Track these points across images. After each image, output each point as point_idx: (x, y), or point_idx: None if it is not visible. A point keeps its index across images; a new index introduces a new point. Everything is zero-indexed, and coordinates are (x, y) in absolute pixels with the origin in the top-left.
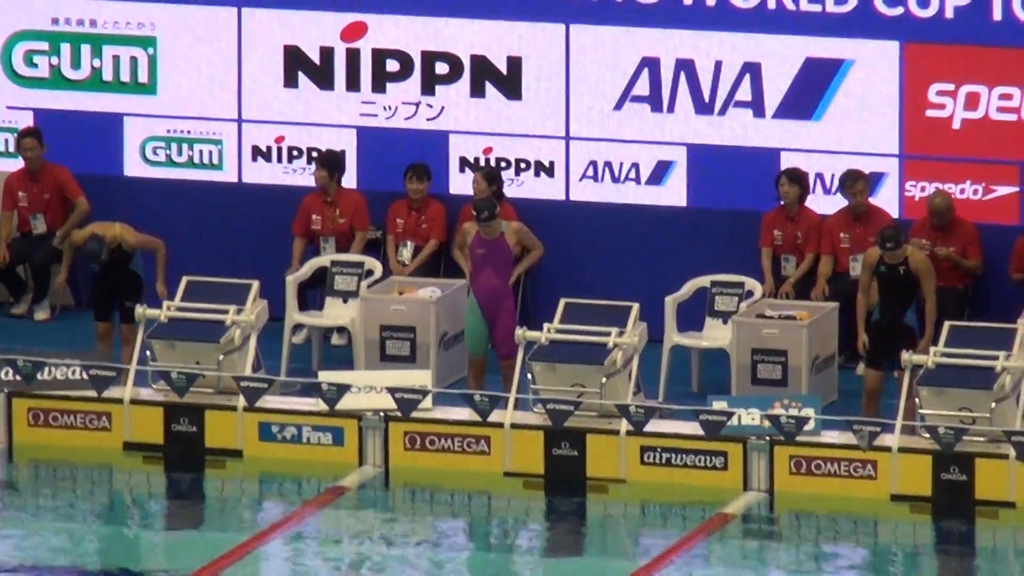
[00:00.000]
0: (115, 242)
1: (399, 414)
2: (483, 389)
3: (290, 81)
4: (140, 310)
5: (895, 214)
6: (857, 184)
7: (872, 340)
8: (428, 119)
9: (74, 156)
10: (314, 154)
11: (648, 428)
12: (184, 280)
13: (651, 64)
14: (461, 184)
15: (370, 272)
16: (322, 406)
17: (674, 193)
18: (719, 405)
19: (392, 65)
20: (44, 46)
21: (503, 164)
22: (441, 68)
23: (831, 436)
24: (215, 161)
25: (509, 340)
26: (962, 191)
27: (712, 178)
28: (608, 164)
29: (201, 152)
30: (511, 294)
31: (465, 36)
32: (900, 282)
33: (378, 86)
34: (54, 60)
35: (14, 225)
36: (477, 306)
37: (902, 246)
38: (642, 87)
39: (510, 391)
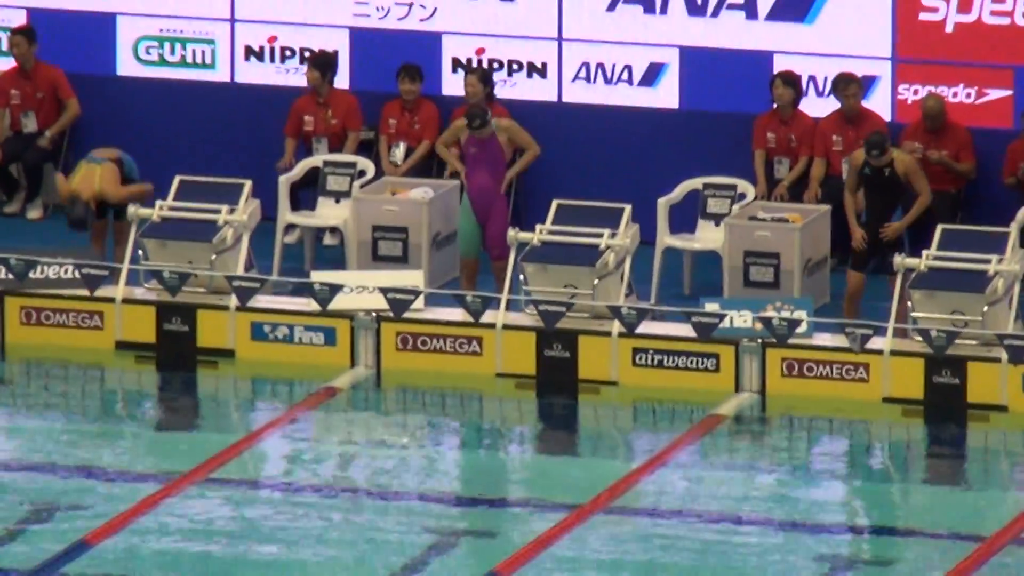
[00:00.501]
0: (98, 198)
1: (391, 314)
2: (475, 290)
3: None
4: (133, 209)
5: (888, 117)
6: (850, 87)
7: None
8: (421, 20)
9: (67, 55)
10: (307, 54)
11: (640, 330)
12: (177, 179)
13: None
14: (454, 85)
15: (363, 172)
16: (314, 306)
17: (667, 95)
18: (711, 307)
19: None
20: None
21: (496, 65)
22: None
23: (823, 339)
24: (208, 61)
25: (501, 241)
26: (955, 95)
27: (705, 80)
28: (601, 66)
29: (194, 52)
30: (504, 195)
31: None
32: (885, 185)
33: None
34: None
35: (6, 124)
36: (470, 206)
37: (888, 152)
38: None
39: (503, 292)
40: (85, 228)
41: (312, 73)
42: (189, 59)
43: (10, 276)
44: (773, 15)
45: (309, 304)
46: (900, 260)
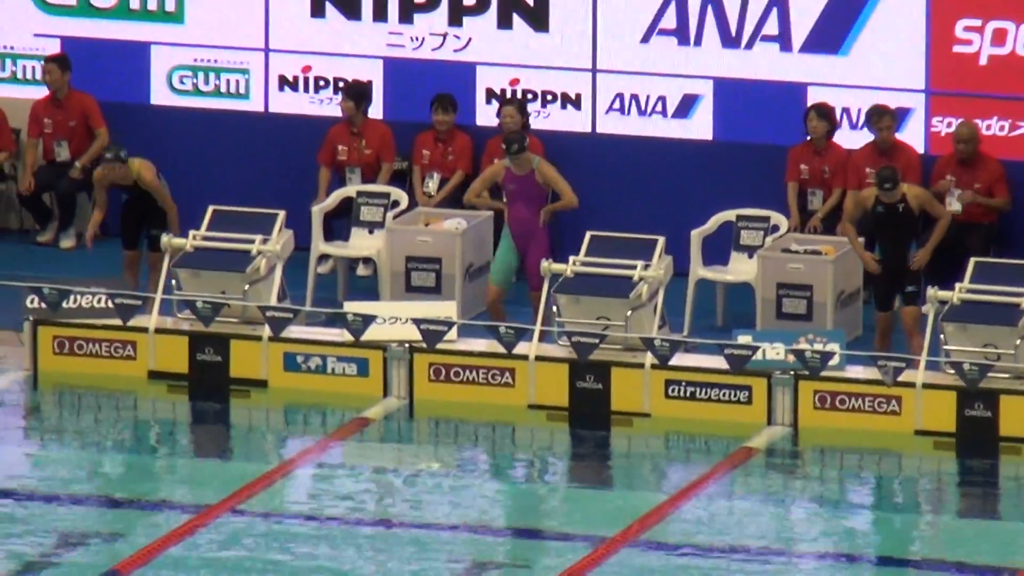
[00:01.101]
0: (131, 178)
1: (424, 345)
2: (500, 320)
3: (317, 11)
4: (166, 239)
5: (921, 150)
6: (884, 119)
7: (878, 284)
8: (455, 50)
9: (101, 84)
10: (341, 84)
11: (673, 362)
12: (210, 209)
13: None
14: (487, 116)
15: (396, 203)
16: (347, 336)
17: (701, 127)
18: (744, 339)
19: None
20: None
21: (530, 96)
22: None
23: (856, 371)
24: (242, 91)
25: (538, 274)
26: (988, 127)
27: (739, 112)
28: (635, 97)
29: (228, 81)
30: (545, 228)
31: None
32: (900, 220)
33: (405, 16)
34: None
35: (39, 152)
36: (511, 236)
37: (899, 185)
38: (669, 20)
39: (536, 323)
40: (117, 158)
41: (347, 103)
42: (223, 89)
43: (43, 305)
44: (807, 47)
45: (342, 335)
46: (933, 293)
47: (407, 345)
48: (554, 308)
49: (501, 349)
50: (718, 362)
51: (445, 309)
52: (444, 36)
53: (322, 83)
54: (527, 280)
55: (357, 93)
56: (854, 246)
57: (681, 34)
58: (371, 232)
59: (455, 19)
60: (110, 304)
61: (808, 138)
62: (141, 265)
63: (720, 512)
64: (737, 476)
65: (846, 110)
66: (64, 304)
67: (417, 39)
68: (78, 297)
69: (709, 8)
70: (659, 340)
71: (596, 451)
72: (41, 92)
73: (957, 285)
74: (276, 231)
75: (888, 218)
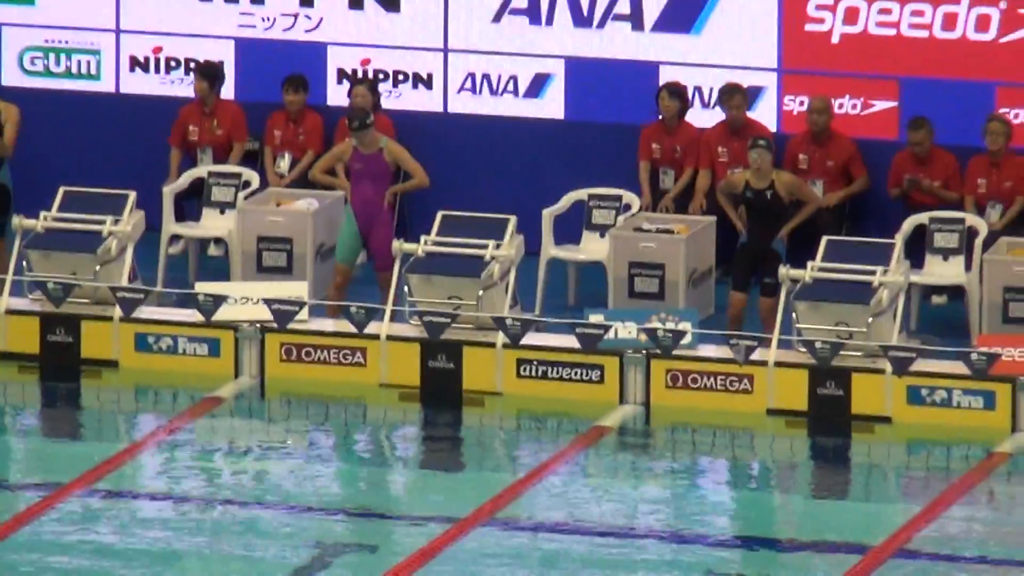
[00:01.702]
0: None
1: (275, 325)
2: (343, 298)
3: None
4: (17, 220)
5: (773, 128)
6: (734, 98)
7: (738, 264)
8: (306, 30)
9: None
10: (192, 65)
11: (524, 341)
12: (61, 190)
13: None
14: (339, 96)
15: (247, 183)
16: (198, 317)
17: (552, 106)
18: (596, 318)
19: None
20: None
21: (381, 76)
22: None
23: (708, 350)
24: (93, 72)
25: (386, 252)
26: (840, 106)
27: (590, 91)
28: (486, 76)
29: (79, 62)
30: (389, 209)
31: None
32: (768, 207)
33: None
34: None
35: None
36: (353, 216)
37: (771, 149)
38: (520, 0)
39: (387, 303)
40: None
41: (200, 83)
42: (74, 70)
43: None
44: (659, 26)
45: (193, 315)
46: (784, 271)
47: (258, 325)
48: (406, 288)
49: (352, 329)
50: (570, 341)
51: (296, 289)
52: (295, 16)
53: (173, 63)
54: (372, 260)
55: (210, 73)
56: (727, 211)
57: (532, 13)
58: (222, 212)
59: None
60: None
61: (660, 117)
62: None
63: (572, 491)
64: (590, 455)
65: (698, 89)
66: None
67: (268, 19)
68: None
69: None
70: (511, 319)
71: (447, 430)
72: None
73: (809, 263)
74: (127, 212)
75: (756, 203)
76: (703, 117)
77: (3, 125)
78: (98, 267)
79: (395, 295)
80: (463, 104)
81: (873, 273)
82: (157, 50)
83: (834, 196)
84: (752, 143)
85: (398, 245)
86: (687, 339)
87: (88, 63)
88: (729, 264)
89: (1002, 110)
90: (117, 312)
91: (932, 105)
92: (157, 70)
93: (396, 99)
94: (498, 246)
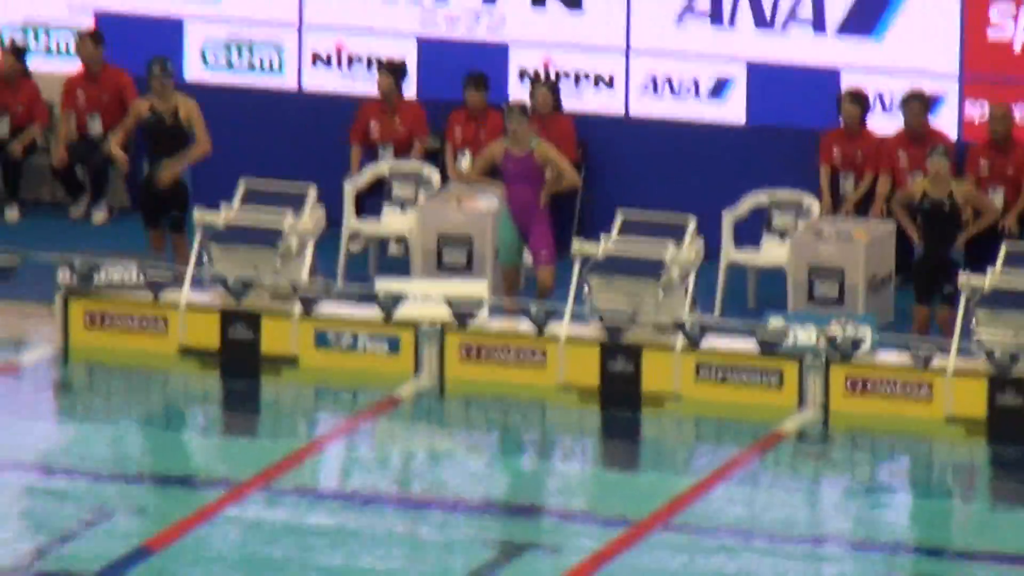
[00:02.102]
0: (173, 104)
1: (455, 324)
2: (516, 301)
3: None
4: (198, 214)
5: (954, 136)
6: (912, 105)
7: (917, 277)
8: (488, 29)
9: (135, 59)
10: (374, 62)
11: (704, 344)
12: (242, 183)
13: None
14: (520, 95)
15: (428, 181)
16: (378, 315)
17: (734, 109)
18: (775, 323)
19: None
20: None
21: (562, 76)
22: None
23: (887, 356)
24: (275, 66)
25: (546, 246)
26: (1022, 114)
27: (772, 95)
28: (668, 79)
29: (261, 58)
30: (545, 208)
31: None
32: (945, 216)
33: None
34: None
35: (72, 126)
36: (510, 216)
37: (948, 156)
38: (703, 1)
39: (546, 300)
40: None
41: (385, 79)
42: (256, 65)
43: (74, 279)
44: (842, 30)
45: (374, 312)
46: (965, 279)
47: (438, 324)
48: (585, 288)
49: (532, 329)
50: (749, 345)
51: (476, 287)
52: (478, 14)
53: (356, 60)
54: (533, 257)
55: (395, 70)
56: (903, 222)
57: (715, 15)
58: (403, 210)
59: None
60: (141, 278)
61: (841, 122)
62: (165, 244)
63: (749, 496)
64: (767, 460)
65: (880, 95)
66: (95, 278)
67: (451, 18)
68: (109, 271)
69: None
70: (690, 322)
71: (626, 433)
72: (75, 66)
73: (990, 270)
74: (308, 207)
75: (934, 212)
76: (884, 123)
77: (186, 124)
78: (279, 263)
79: (574, 296)
80: (645, 106)
81: None
82: (339, 46)
83: (1011, 216)
84: (931, 151)
85: (578, 246)
86: (866, 345)
87: (271, 58)
88: (908, 272)
89: None
90: (297, 308)
91: None
92: (339, 66)
93: (577, 100)
94: (678, 248)
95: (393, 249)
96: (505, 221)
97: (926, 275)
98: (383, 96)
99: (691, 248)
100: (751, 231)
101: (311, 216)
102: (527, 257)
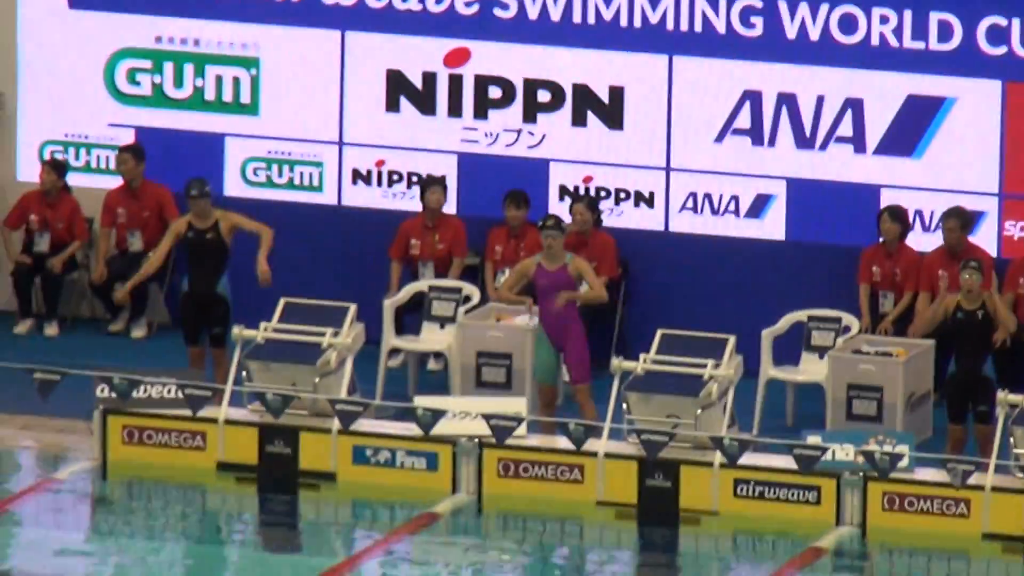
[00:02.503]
0: (212, 218)
1: (494, 440)
2: (552, 418)
3: (392, 105)
4: (237, 330)
5: (994, 252)
6: (948, 221)
7: (952, 395)
8: (529, 147)
9: (175, 175)
10: (415, 179)
11: (742, 461)
12: (282, 301)
13: (753, 97)
14: (560, 212)
15: (468, 298)
16: (417, 431)
17: (773, 226)
18: (813, 440)
19: (494, 92)
20: (147, 64)
21: (603, 194)
22: (543, 96)
23: (925, 473)
24: (315, 183)
25: (580, 365)
26: None
27: (811, 212)
28: (708, 196)
29: (302, 174)
30: (578, 319)
31: (568, 65)
32: (978, 329)
33: (480, 112)
34: (156, 78)
35: (112, 242)
36: (545, 335)
37: (982, 271)
38: (743, 120)
39: (585, 417)
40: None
41: (435, 195)
42: (296, 181)
43: (113, 395)
44: (881, 149)
45: (412, 429)
46: (1003, 396)
47: (477, 440)
48: (624, 405)
49: (570, 446)
50: (787, 462)
51: (515, 405)
52: (518, 132)
53: (396, 177)
54: (569, 374)
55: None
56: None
57: (755, 134)
58: (442, 327)
59: (529, 115)
60: (180, 394)
61: (881, 240)
62: (205, 360)
63: None
64: None
65: (919, 212)
66: (134, 394)
67: (491, 135)
68: (148, 387)
69: (784, 108)
70: (728, 439)
71: (664, 549)
72: (115, 182)
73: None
74: (347, 324)
75: (967, 325)
76: (924, 241)
77: (227, 236)
78: (317, 379)
79: (612, 412)
80: (684, 223)
81: None
82: (380, 163)
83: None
84: (964, 264)
85: (617, 363)
86: (904, 462)
87: (310, 174)
88: (946, 388)
89: None
90: (336, 424)
91: None
92: (379, 183)
93: (618, 217)
94: (717, 365)
95: (432, 366)
96: (541, 339)
97: (959, 393)
98: (428, 212)
99: (730, 365)
100: (790, 349)
101: (350, 332)
102: (564, 374)
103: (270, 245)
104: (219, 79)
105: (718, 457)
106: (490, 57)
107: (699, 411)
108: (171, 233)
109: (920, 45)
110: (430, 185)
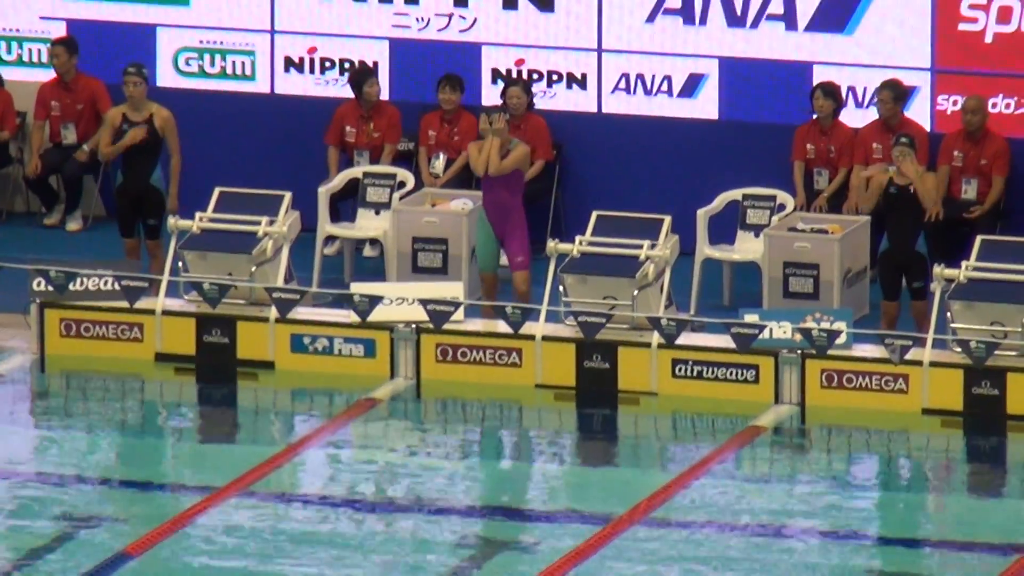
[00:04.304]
0: (148, 115)
1: (431, 326)
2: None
3: None
4: (172, 221)
5: (927, 127)
6: (882, 93)
7: (885, 271)
8: (460, 31)
9: (107, 67)
10: (346, 65)
11: (679, 341)
12: (217, 191)
13: None
14: (493, 96)
15: (402, 184)
16: (354, 318)
17: (706, 106)
18: (751, 318)
19: None
20: None
21: (535, 76)
22: None
23: (863, 350)
24: (248, 72)
25: (522, 252)
26: (994, 105)
27: (744, 91)
28: (640, 76)
29: (234, 63)
30: (520, 207)
31: None
32: (910, 204)
33: None
34: None
35: (46, 135)
36: (487, 222)
37: (914, 146)
38: (674, 0)
39: (523, 303)
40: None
41: (372, 88)
42: (229, 71)
43: (50, 288)
44: (812, 26)
45: (349, 316)
46: (940, 271)
47: (414, 326)
48: (560, 288)
49: (508, 329)
50: (725, 341)
51: (452, 289)
52: (450, 16)
53: (328, 64)
54: (509, 262)
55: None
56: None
57: (686, 13)
58: (377, 213)
59: None
60: (117, 286)
61: (814, 117)
62: (141, 251)
63: (728, 491)
64: (744, 455)
65: (852, 89)
66: (70, 286)
67: (423, 19)
68: (84, 279)
69: None
70: (666, 319)
71: (603, 430)
72: (48, 75)
73: (964, 263)
74: (282, 212)
75: (900, 200)
76: (857, 117)
77: (160, 133)
78: (254, 268)
79: (549, 295)
80: (617, 104)
81: None
82: (312, 50)
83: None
84: (895, 140)
85: (553, 245)
86: (842, 339)
87: (243, 64)
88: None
89: None
90: (273, 313)
91: None
92: (312, 70)
93: (550, 99)
94: (653, 246)
95: (368, 252)
96: (483, 225)
97: (893, 269)
98: (364, 103)
99: (666, 245)
100: (726, 228)
101: (285, 220)
102: (504, 260)
103: (177, 172)
104: None
105: (656, 338)
106: None
107: (636, 292)
108: (107, 124)
109: None
110: (367, 77)
